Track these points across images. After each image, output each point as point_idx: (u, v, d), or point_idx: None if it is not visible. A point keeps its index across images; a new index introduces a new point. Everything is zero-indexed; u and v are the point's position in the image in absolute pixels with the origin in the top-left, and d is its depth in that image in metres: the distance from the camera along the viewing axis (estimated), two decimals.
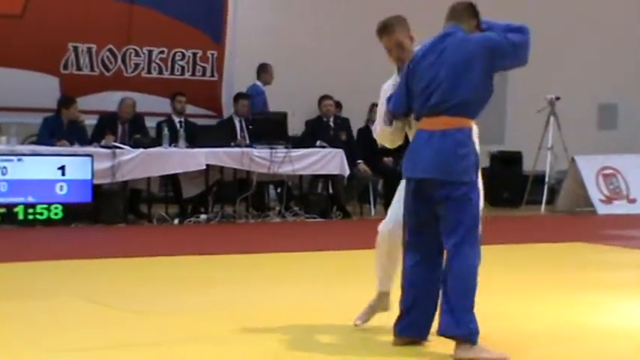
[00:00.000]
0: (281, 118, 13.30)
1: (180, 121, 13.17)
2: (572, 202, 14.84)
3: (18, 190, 11.36)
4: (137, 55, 14.60)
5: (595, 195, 14.70)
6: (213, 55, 15.10)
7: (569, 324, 6.22)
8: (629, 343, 5.72)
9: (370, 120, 13.41)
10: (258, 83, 14.32)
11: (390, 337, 5.48)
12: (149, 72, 14.70)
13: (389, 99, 5.54)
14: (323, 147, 13.10)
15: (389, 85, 5.69)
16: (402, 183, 5.58)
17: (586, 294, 7.34)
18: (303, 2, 15.97)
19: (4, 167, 11.32)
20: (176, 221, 12.31)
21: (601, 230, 12.15)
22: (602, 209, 14.54)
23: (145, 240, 10.96)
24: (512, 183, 15.75)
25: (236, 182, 12.77)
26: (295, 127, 14.05)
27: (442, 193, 5.18)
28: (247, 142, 13.02)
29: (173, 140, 12.41)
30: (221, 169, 12.56)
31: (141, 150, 12.00)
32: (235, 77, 15.01)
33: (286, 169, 12.62)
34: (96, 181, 11.68)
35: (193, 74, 15.00)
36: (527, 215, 14.63)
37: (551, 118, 15.37)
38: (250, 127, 13.34)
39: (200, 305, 6.76)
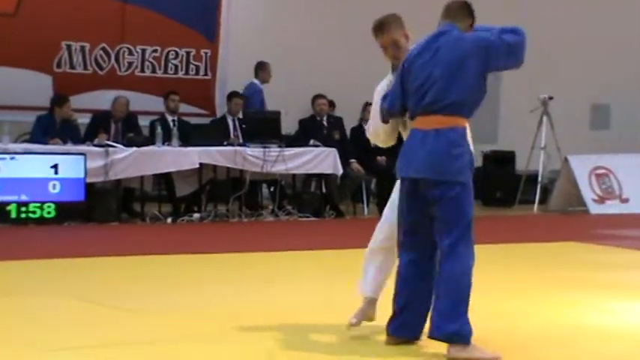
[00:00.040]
0: (274, 117, 13.30)
1: (173, 120, 13.16)
2: (564, 201, 14.87)
3: (11, 188, 11.34)
4: (130, 53, 14.59)
5: (588, 195, 14.72)
6: (206, 53, 15.10)
7: (563, 324, 6.22)
8: (624, 344, 5.72)
9: (363, 119, 13.41)
10: (256, 81, 14.31)
11: (384, 337, 5.49)
12: (142, 71, 14.70)
13: (384, 97, 5.55)
14: (316, 146, 13.10)
15: (383, 85, 5.70)
16: (396, 190, 5.58)
17: (579, 294, 7.35)
18: (296, 1, 15.98)
19: None
20: (169, 220, 12.30)
21: (594, 230, 12.16)
22: (595, 209, 14.57)
23: (138, 239, 10.95)
24: (505, 182, 15.77)
25: (229, 181, 12.76)
26: (289, 126, 14.05)
27: (436, 193, 5.18)
28: (240, 141, 13.01)
29: (166, 139, 12.40)
30: (214, 167, 12.56)
31: (134, 149, 11.99)
32: (229, 76, 15.02)
33: (279, 168, 12.62)
34: (89, 180, 11.67)
35: (187, 73, 15.00)
36: (520, 215, 14.65)
37: (544, 118, 15.40)
38: (243, 126, 13.33)
39: (193, 304, 6.76)
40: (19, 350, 5.30)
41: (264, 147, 12.53)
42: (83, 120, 13.00)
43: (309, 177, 13.49)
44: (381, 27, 5.65)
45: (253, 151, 12.49)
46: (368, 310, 5.75)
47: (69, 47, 14.19)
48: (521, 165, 15.80)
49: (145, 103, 14.05)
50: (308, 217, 12.86)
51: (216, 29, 15.13)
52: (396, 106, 5.44)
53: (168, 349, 5.40)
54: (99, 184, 11.97)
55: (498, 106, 16.94)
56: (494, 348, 5.25)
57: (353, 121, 14.15)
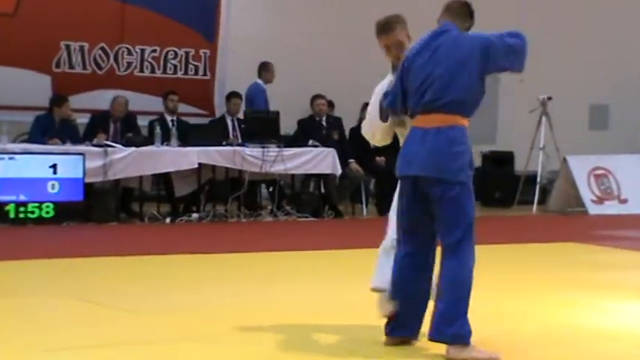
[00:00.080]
0: (273, 117, 13.31)
1: (172, 120, 13.16)
2: (563, 202, 14.87)
3: (9, 188, 11.34)
4: (129, 53, 14.59)
5: (586, 195, 14.73)
6: (205, 53, 15.10)
7: (563, 325, 6.22)
8: (622, 344, 5.72)
9: (362, 119, 13.40)
10: (260, 82, 14.29)
11: (380, 335, 5.49)
12: (141, 70, 14.70)
13: (385, 95, 5.55)
14: (315, 146, 13.10)
15: (383, 85, 5.69)
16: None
17: (577, 294, 7.35)
18: (296, 2, 15.98)
19: None
20: (168, 220, 12.30)
21: (592, 230, 12.16)
22: (594, 209, 14.57)
23: (136, 239, 10.95)
24: (504, 183, 15.77)
25: (228, 181, 12.76)
26: (287, 126, 14.06)
27: (436, 192, 5.17)
28: (239, 141, 13.02)
29: (165, 139, 12.40)
30: (213, 168, 12.56)
31: (133, 149, 11.99)
32: (228, 76, 15.02)
33: (278, 169, 12.62)
34: (88, 180, 11.67)
35: (186, 73, 15.01)
36: (519, 215, 14.65)
37: (543, 119, 15.40)
38: (242, 126, 13.34)
39: (192, 304, 6.76)
40: (18, 350, 5.29)
41: (263, 147, 12.53)
42: (82, 120, 13.00)
43: (307, 177, 13.50)
44: (386, 28, 5.65)
45: (252, 151, 12.50)
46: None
47: (68, 47, 14.19)
48: (520, 165, 15.80)
49: (144, 103, 14.05)
50: (307, 217, 12.86)
51: (216, 29, 15.13)
52: (396, 105, 5.43)
53: (167, 350, 5.39)
54: (98, 184, 11.97)
55: (497, 107, 16.94)
56: (493, 348, 5.25)
57: (352, 121, 14.15)
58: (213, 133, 12.96)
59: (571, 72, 17.45)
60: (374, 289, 5.69)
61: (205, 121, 14.34)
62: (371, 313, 6.05)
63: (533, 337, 5.84)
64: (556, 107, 15.54)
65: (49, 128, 12.44)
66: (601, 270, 8.80)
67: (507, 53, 5.24)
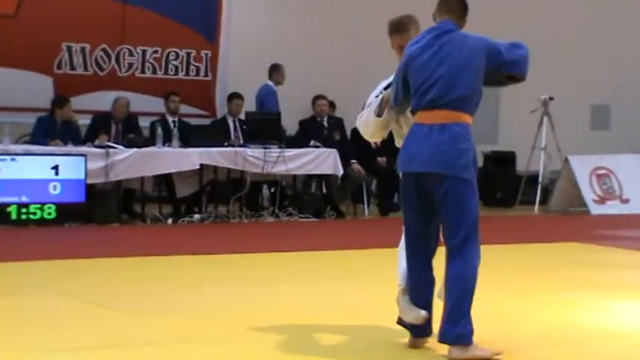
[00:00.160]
0: (275, 118, 13.31)
1: (173, 121, 13.16)
2: (565, 202, 14.86)
3: (11, 189, 11.35)
4: (131, 54, 14.60)
5: (588, 195, 14.72)
6: (207, 54, 15.10)
7: (565, 325, 6.22)
8: (624, 344, 5.72)
9: None
10: (270, 83, 14.28)
11: (382, 336, 5.49)
12: (143, 72, 14.70)
13: (385, 88, 5.56)
14: (317, 147, 13.10)
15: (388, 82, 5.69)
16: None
17: (579, 294, 7.35)
18: (297, 2, 15.98)
19: None
20: (170, 221, 12.30)
21: (594, 230, 12.16)
22: (596, 209, 14.56)
23: (138, 240, 10.95)
24: (506, 183, 15.77)
25: (230, 182, 12.76)
26: (289, 126, 14.07)
27: (440, 190, 5.16)
28: (241, 141, 13.02)
29: (167, 140, 12.40)
30: (215, 168, 12.56)
31: (134, 150, 11.99)
32: (229, 77, 15.01)
33: (280, 169, 12.62)
34: (89, 181, 11.67)
35: (187, 74, 15.01)
36: (521, 215, 14.64)
37: (545, 119, 15.40)
38: (244, 126, 13.34)
39: (194, 305, 6.76)
40: (19, 351, 5.30)
41: (265, 148, 12.53)
42: (84, 121, 13.00)
43: (309, 178, 13.49)
44: (400, 28, 5.65)
45: (254, 152, 12.50)
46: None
47: (69, 48, 14.20)
48: (521, 165, 15.80)
49: (146, 104, 14.05)
50: (308, 217, 12.86)
51: (217, 30, 15.13)
52: (398, 101, 5.44)
53: (169, 351, 5.39)
54: (99, 185, 11.97)
55: (499, 107, 16.93)
56: (492, 347, 5.24)
57: (354, 122, 14.00)
58: (214, 134, 12.96)
59: (572, 72, 17.44)
60: (400, 286, 5.61)
61: (207, 121, 14.34)
62: (373, 313, 6.07)
63: (534, 337, 5.84)
64: (557, 107, 15.54)
65: (51, 129, 12.44)
66: (603, 270, 8.80)
67: (513, 61, 5.26)
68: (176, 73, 14.92)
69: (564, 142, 15.25)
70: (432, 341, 5.37)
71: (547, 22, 17.01)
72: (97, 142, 12.21)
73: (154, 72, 14.77)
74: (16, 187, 11.36)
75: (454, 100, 5.18)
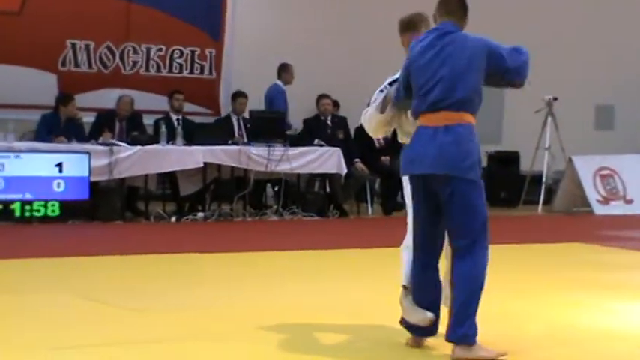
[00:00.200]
0: (279, 117, 13.31)
1: (177, 119, 13.16)
2: (569, 202, 14.86)
3: (15, 186, 11.36)
4: (135, 52, 14.60)
5: (592, 195, 14.71)
6: (211, 53, 15.10)
7: (568, 325, 6.21)
8: (628, 345, 5.72)
9: None
10: (279, 82, 14.28)
11: (385, 335, 5.50)
12: (147, 69, 14.70)
13: (390, 84, 5.57)
14: (320, 146, 13.10)
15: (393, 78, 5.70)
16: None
17: (583, 294, 7.35)
18: (302, 1, 15.97)
19: (2, 164, 11.31)
20: (173, 219, 12.30)
21: (598, 231, 12.15)
22: (599, 210, 14.56)
23: (142, 238, 10.95)
24: (510, 183, 15.76)
25: (233, 180, 12.77)
26: (293, 125, 14.08)
27: (447, 190, 5.15)
28: (245, 140, 13.02)
29: (171, 138, 12.41)
30: (218, 167, 12.57)
31: (138, 147, 12.00)
32: (233, 75, 15.01)
33: (284, 168, 12.62)
34: (93, 179, 11.67)
35: (191, 72, 15.01)
36: (525, 215, 14.64)
37: (549, 119, 15.39)
38: (248, 125, 13.34)
39: (198, 303, 6.76)
40: (24, 349, 5.31)
41: (269, 146, 12.53)
42: (88, 119, 13.01)
43: (313, 177, 13.50)
44: (411, 26, 5.66)
45: (257, 151, 12.50)
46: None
47: (74, 46, 14.20)
48: (525, 165, 15.79)
49: (150, 102, 14.06)
50: (312, 216, 12.86)
51: (221, 28, 15.13)
52: (399, 99, 5.45)
53: (174, 348, 5.40)
54: (103, 183, 11.98)
55: (503, 107, 16.92)
56: (497, 347, 5.24)
57: (357, 121, 14.04)
58: (218, 133, 12.96)
59: (576, 72, 17.42)
60: (404, 287, 5.60)
61: (211, 120, 14.34)
62: (376, 312, 6.06)
63: (538, 337, 5.84)
64: (561, 107, 15.52)
65: (55, 127, 12.46)
66: (606, 270, 8.80)
67: (515, 66, 5.26)
68: (180, 71, 14.93)
69: (568, 142, 15.24)
70: (434, 340, 5.38)
71: (552, 21, 17.01)
72: (101, 140, 12.22)
73: (159, 70, 14.77)
74: (20, 184, 11.37)
75: (456, 101, 5.18)
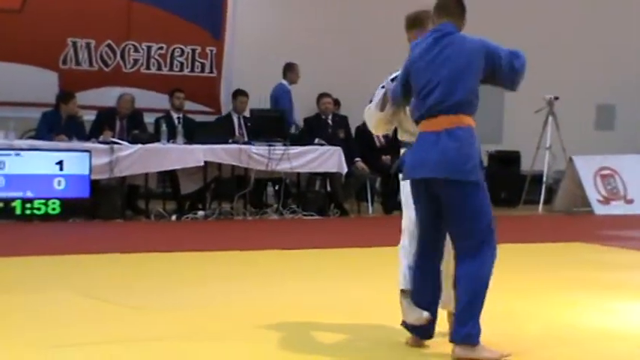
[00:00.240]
0: (279, 116, 13.31)
1: (178, 117, 13.16)
2: (569, 202, 14.86)
3: (16, 184, 11.36)
4: (136, 50, 14.60)
5: (593, 195, 14.71)
6: (212, 51, 15.11)
7: (568, 325, 6.21)
8: (628, 345, 5.71)
9: None
10: (284, 82, 14.28)
11: (385, 334, 5.50)
12: (148, 68, 14.71)
13: (392, 80, 5.57)
14: (321, 145, 13.10)
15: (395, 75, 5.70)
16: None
17: (583, 294, 7.35)
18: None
19: (2, 162, 11.32)
20: (174, 217, 12.30)
21: (598, 230, 12.15)
22: (600, 209, 14.56)
23: (142, 236, 10.96)
24: (510, 183, 15.76)
25: (234, 179, 12.77)
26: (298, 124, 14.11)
27: (450, 194, 5.15)
28: (245, 139, 13.02)
29: (171, 136, 12.41)
30: (219, 165, 12.57)
31: (139, 146, 12.00)
32: (234, 74, 15.02)
33: (284, 167, 12.62)
34: (94, 177, 11.68)
35: (192, 70, 15.01)
36: (525, 215, 14.64)
37: (550, 118, 15.38)
38: (248, 124, 13.34)
39: (198, 301, 6.77)
40: (24, 347, 5.30)
41: (269, 145, 12.53)
42: (88, 117, 13.01)
43: (313, 175, 13.50)
44: (417, 23, 5.65)
45: (258, 150, 12.50)
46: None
47: (74, 44, 14.20)
48: (526, 165, 15.79)
49: (150, 101, 14.06)
50: (312, 215, 12.86)
51: (222, 26, 15.14)
52: (397, 99, 5.46)
53: (174, 347, 5.40)
54: (104, 181, 11.99)
55: (503, 106, 16.91)
56: (499, 348, 5.24)
57: (358, 120, 14.09)
58: (219, 131, 12.96)
59: (577, 72, 17.43)
60: (402, 291, 5.59)
61: (211, 118, 14.35)
62: (376, 311, 6.06)
63: (538, 336, 5.84)
64: (562, 107, 15.52)
65: (56, 125, 12.46)
66: (607, 270, 8.80)
67: (510, 70, 5.26)
68: (181, 70, 14.93)
69: (569, 142, 15.24)
70: (434, 340, 5.37)
71: (552, 21, 17.01)
72: (101, 138, 12.22)
73: (159, 68, 14.78)
74: (21, 182, 11.38)
75: (454, 104, 5.17)
